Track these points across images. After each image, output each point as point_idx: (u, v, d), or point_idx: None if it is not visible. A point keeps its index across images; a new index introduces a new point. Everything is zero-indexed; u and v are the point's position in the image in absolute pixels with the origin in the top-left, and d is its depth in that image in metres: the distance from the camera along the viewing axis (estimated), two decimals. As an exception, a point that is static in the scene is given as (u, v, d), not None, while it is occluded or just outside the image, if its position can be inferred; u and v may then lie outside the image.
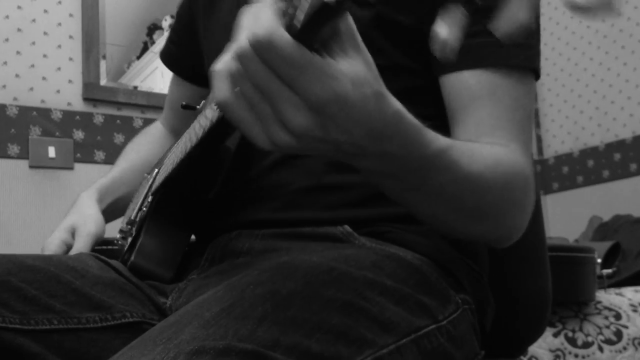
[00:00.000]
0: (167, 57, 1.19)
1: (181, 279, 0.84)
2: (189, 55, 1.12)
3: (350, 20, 0.53)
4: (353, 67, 0.53)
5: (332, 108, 0.51)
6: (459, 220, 0.71)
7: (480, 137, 0.76)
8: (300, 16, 0.49)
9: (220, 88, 0.53)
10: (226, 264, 0.80)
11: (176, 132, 1.19)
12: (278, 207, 0.83)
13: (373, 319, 0.61)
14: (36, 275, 0.76)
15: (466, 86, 0.78)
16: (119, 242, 0.93)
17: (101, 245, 1.05)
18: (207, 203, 0.88)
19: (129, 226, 0.93)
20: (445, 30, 0.50)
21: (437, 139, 0.63)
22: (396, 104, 0.58)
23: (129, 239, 0.92)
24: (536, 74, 0.82)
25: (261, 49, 0.49)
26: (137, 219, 0.91)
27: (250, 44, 0.50)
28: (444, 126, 0.80)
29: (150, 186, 0.93)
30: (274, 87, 0.50)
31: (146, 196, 0.92)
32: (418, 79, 0.83)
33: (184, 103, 1.00)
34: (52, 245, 0.96)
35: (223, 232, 0.84)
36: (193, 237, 0.92)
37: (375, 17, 0.79)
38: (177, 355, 0.50)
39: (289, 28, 0.50)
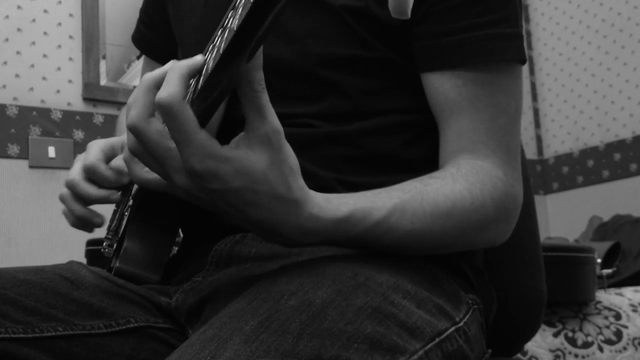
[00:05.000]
0: (139, 41, 1.10)
1: (184, 281, 0.83)
2: (161, 37, 1.06)
3: (270, 121, 0.58)
4: (247, 159, 0.58)
5: (210, 182, 0.58)
6: (423, 254, 0.74)
7: (460, 153, 0.76)
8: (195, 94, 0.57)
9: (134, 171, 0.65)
10: (234, 269, 0.78)
11: None
12: None
13: (401, 325, 0.62)
14: (31, 289, 0.75)
15: (448, 98, 0.77)
16: (106, 250, 0.92)
17: (95, 246, 1.03)
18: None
19: (113, 233, 0.92)
20: None
21: (369, 215, 0.66)
22: (311, 209, 0.63)
23: (115, 245, 0.91)
24: (522, 62, 0.80)
25: (162, 113, 0.57)
26: (122, 226, 0.90)
27: (157, 107, 0.57)
28: (425, 120, 0.80)
29: (131, 189, 0.92)
30: (164, 149, 0.59)
31: (127, 201, 0.91)
32: (403, 73, 0.81)
33: None
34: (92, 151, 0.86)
35: (225, 233, 0.82)
36: (179, 238, 0.91)
37: (363, 9, 0.78)
38: None
39: (190, 100, 0.57)
